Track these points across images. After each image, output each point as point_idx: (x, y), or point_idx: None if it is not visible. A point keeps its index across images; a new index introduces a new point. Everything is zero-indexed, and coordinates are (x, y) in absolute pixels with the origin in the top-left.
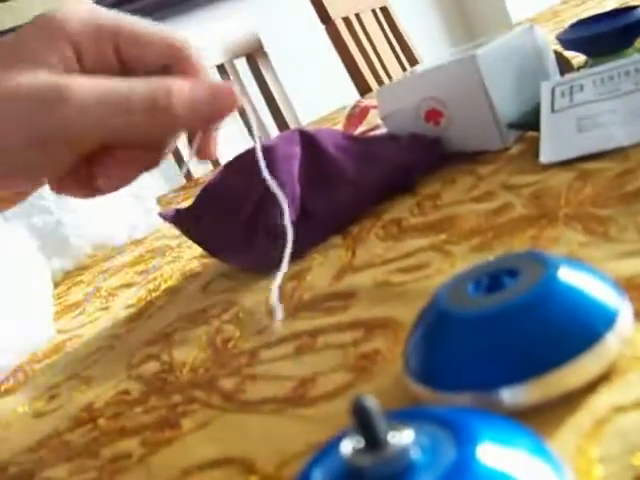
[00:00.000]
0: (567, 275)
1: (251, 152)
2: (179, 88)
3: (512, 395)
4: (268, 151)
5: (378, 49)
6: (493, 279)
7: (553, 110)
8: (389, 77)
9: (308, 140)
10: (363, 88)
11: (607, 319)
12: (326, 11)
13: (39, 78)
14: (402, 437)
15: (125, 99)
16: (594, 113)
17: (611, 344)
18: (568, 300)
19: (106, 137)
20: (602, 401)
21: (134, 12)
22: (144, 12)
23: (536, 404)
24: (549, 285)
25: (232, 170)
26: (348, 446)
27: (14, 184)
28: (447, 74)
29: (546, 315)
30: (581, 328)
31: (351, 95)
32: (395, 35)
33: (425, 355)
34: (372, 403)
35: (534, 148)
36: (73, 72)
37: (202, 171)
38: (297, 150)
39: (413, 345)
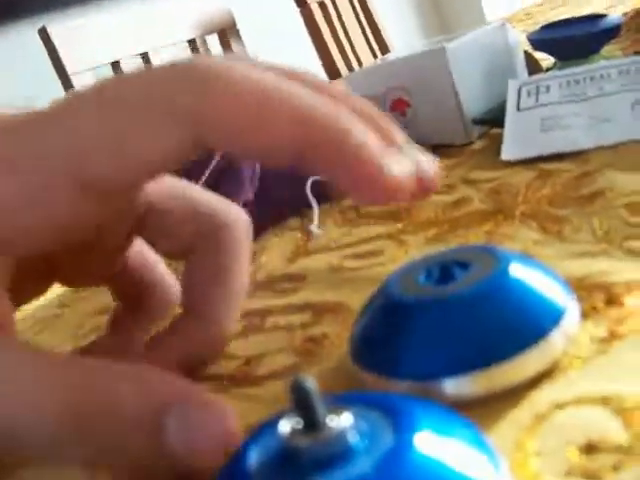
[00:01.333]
0: (518, 270)
1: None
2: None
3: (454, 386)
4: None
5: (351, 35)
6: (444, 270)
7: (518, 108)
8: (360, 64)
9: None
10: (332, 73)
11: (554, 317)
12: None
13: None
14: (340, 420)
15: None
16: (558, 114)
17: (556, 341)
18: (517, 295)
19: None
20: (543, 397)
21: None
22: None
23: (478, 396)
24: (499, 279)
25: None
26: (286, 426)
27: None
28: (416, 64)
29: (493, 309)
30: (527, 324)
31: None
32: (369, 23)
33: (370, 340)
34: (311, 384)
35: (497, 145)
36: None
37: None
38: None
39: (359, 329)
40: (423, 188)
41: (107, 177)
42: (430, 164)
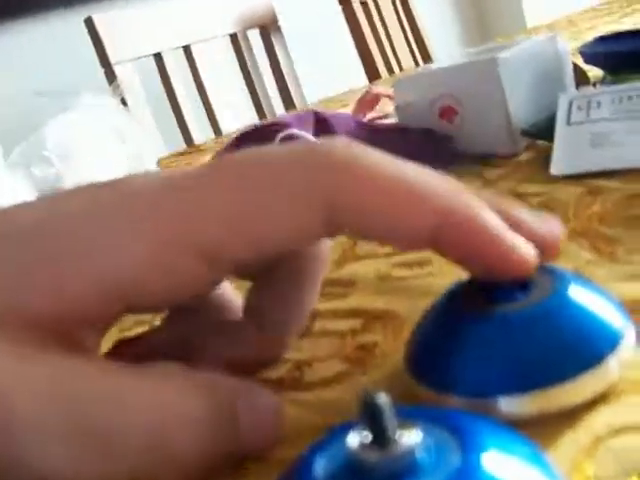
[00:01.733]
0: (577, 292)
1: (264, 126)
2: None
3: (510, 405)
4: (281, 128)
5: (392, 37)
6: (504, 287)
7: (569, 123)
8: (400, 66)
9: (322, 123)
10: (372, 74)
11: (611, 340)
12: None
13: None
14: (410, 437)
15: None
16: (609, 131)
17: (613, 365)
18: (576, 317)
19: None
20: (600, 420)
21: None
22: None
23: (534, 416)
24: (559, 300)
25: (244, 142)
26: (354, 439)
27: None
28: (466, 73)
29: (553, 329)
30: (585, 347)
31: (359, 79)
32: (410, 25)
33: (427, 353)
34: (384, 401)
35: (543, 157)
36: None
37: (203, 138)
38: (309, 131)
39: (416, 342)
40: (549, 254)
41: (234, 253)
42: (556, 230)
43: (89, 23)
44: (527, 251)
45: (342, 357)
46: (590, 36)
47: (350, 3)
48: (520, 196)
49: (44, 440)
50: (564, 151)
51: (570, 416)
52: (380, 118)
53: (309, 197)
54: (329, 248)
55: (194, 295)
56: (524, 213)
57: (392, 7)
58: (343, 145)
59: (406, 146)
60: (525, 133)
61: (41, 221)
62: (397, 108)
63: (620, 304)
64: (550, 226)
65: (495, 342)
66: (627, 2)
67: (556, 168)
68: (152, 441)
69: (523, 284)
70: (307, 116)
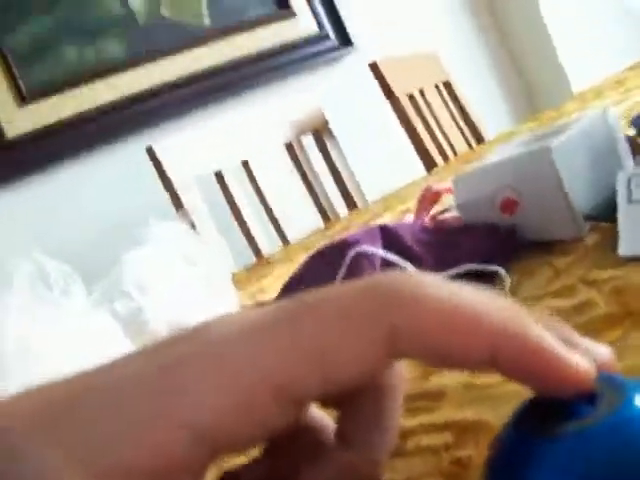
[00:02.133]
0: None
1: (334, 244)
2: None
3: None
4: (351, 247)
5: (441, 123)
6: (570, 404)
7: (630, 201)
8: (454, 151)
9: (389, 235)
10: (428, 163)
11: None
12: (389, 87)
13: None
14: None
15: None
16: None
17: None
18: None
19: None
20: None
21: (198, 93)
22: (210, 91)
23: None
24: (630, 409)
25: (316, 261)
26: None
27: None
28: (522, 164)
29: (631, 441)
30: None
31: (416, 171)
32: (458, 108)
33: (499, 476)
34: None
35: (609, 239)
36: None
37: (270, 248)
38: (378, 245)
39: (492, 473)
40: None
41: (308, 391)
42: (607, 353)
43: (150, 152)
44: (585, 364)
45: (438, 474)
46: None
47: (396, 97)
48: (592, 283)
49: None
50: (630, 231)
51: None
52: (443, 212)
53: (373, 330)
54: (404, 367)
55: (275, 431)
56: (576, 335)
57: (438, 94)
58: (402, 275)
59: (472, 244)
60: (589, 217)
61: (129, 378)
62: (459, 206)
63: None
64: (603, 347)
65: (573, 462)
66: None
67: (624, 249)
68: None
69: (589, 398)
70: (374, 231)
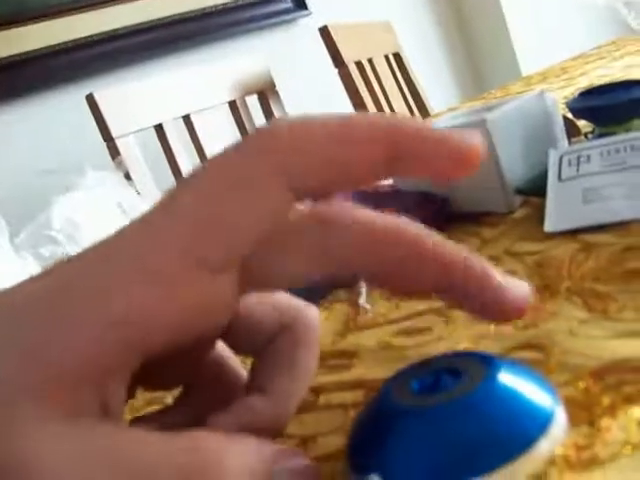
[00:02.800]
0: (506, 378)
1: None
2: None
3: None
4: None
5: (389, 94)
6: (436, 377)
7: (560, 179)
8: None
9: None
10: None
11: (541, 423)
12: (340, 54)
13: None
14: None
15: None
16: (599, 185)
17: (544, 449)
18: (504, 404)
19: None
20: None
21: (143, 44)
22: (154, 46)
23: None
24: (487, 388)
25: None
26: None
27: None
28: None
29: (481, 419)
30: (515, 432)
31: None
32: (406, 81)
33: (362, 445)
34: None
35: (538, 214)
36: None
37: None
38: None
39: (355, 436)
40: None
41: (221, 251)
42: (524, 289)
43: (90, 99)
44: (473, 141)
45: (345, 431)
46: (582, 82)
47: (345, 65)
48: (515, 255)
49: None
50: (557, 207)
51: None
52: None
53: (267, 176)
54: (318, 316)
55: (206, 320)
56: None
57: (387, 65)
58: (282, 121)
59: (403, 209)
60: (519, 191)
61: (51, 285)
62: None
63: (549, 384)
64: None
65: (426, 436)
66: (615, 47)
67: (549, 225)
68: None
69: (454, 371)
70: None
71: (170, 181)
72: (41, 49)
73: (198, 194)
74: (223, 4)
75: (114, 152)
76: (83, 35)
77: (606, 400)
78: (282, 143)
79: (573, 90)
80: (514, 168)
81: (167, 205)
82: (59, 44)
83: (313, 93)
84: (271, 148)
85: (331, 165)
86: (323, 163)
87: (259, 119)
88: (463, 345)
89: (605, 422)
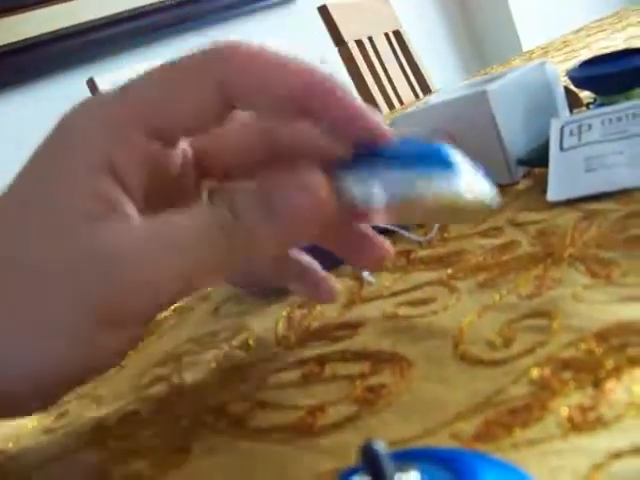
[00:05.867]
0: None
1: None
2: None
3: None
4: None
5: (390, 72)
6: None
7: (562, 148)
8: (400, 101)
9: None
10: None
11: None
12: (339, 33)
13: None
14: (409, 478)
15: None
16: (601, 154)
17: None
18: None
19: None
20: (599, 446)
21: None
22: (153, 30)
23: None
24: None
25: None
26: None
27: None
28: (458, 108)
29: None
30: None
31: None
32: (407, 59)
33: None
34: (381, 447)
35: (541, 184)
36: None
37: None
38: None
39: None
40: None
41: (167, 124)
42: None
43: (91, 84)
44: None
45: (352, 400)
46: (584, 55)
47: (345, 43)
48: (519, 225)
49: None
50: (559, 177)
51: (570, 444)
52: None
53: (204, 78)
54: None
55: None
56: None
57: (387, 42)
58: (230, 40)
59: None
60: (521, 162)
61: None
62: None
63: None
64: None
65: None
66: (617, 18)
67: (552, 195)
68: None
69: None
70: None
71: None
72: (41, 35)
73: (150, 79)
74: None
75: None
76: (84, 20)
77: (610, 362)
78: (230, 57)
79: (575, 63)
80: (516, 139)
81: (123, 87)
82: (59, 29)
83: None
84: (220, 58)
85: (257, 83)
86: (253, 79)
87: None
88: (469, 318)
89: (609, 384)
